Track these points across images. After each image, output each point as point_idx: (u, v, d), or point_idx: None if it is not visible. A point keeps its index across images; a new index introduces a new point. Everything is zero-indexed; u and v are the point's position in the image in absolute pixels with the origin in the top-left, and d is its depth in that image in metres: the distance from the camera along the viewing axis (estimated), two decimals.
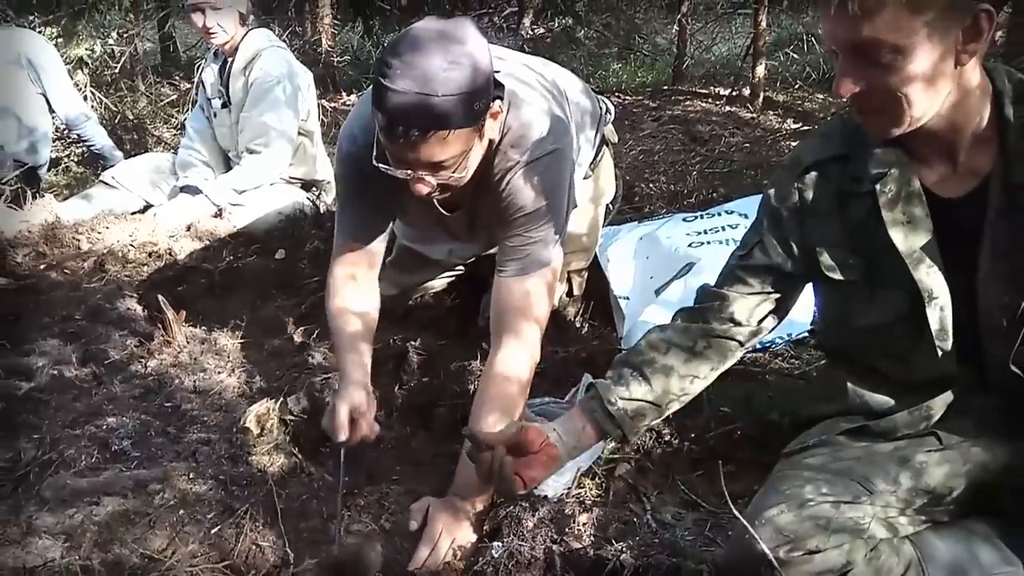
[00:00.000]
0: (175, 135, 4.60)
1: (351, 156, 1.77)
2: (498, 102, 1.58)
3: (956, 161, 1.24)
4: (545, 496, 1.57)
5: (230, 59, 3.22)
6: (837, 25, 1.11)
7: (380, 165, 1.57)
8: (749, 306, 1.44)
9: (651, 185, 3.67)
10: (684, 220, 2.62)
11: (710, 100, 5.47)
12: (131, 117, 4.47)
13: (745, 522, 1.19)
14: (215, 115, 3.34)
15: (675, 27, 6.40)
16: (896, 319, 1.30)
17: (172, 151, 3.87)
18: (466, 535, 1.49)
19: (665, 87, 6.14)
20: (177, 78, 5.92)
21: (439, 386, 2.05)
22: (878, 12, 1.06)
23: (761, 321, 1.46)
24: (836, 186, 1.33)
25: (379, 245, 1.87)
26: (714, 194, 3.40)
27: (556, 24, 7.64)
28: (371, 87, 1.51)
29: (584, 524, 1.48)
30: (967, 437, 1.30)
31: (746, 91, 5.39)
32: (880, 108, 1.15)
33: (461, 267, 2.47)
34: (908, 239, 1.25)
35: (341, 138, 1.84)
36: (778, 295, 1.44)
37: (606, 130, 2.28)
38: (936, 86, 1.13)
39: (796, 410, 1.54)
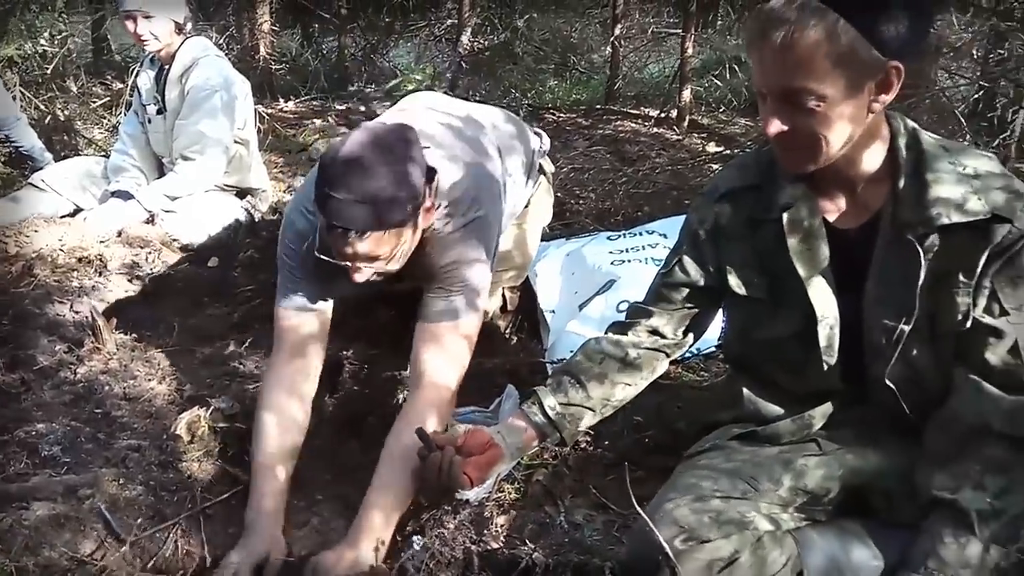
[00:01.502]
0: (107, 137, 4.53)
1: (300, 232, 1.86)
2: (430, 199, 1.71)
3: (853, 196, 1.39)
4: (467, 500, 1.66)
5: (167, 66, 3.23)
6: (770, 72, 1.25)
7: (321, 256, 1.70)
8: (672, 321, 1.61)
9: (580, 203, 3.81)
10: (608, 239, 2.76)
11: (639, 121, 5.66)
12: (62, 118, 4.39)
13: (644, 515, 1.31)
14: (149, 121, 3.32)
15: (608, 48, 6.59)
16: (791, 335, 1.45)
17: (103, 154, 3.83)
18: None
19: (598, 106, 6.32)
20: (110, 78, 5.82)
21: (370, 395, 2.12)
22: (807, 64, 1.20)
23: (684, 334, 1.63)
24: (748, 213, 1.48)
25: (324, 319, 1.90)
26: (639, 213, 3.56)
27: (495, 39, 7.75)
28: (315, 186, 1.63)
29: (502, 526, 1.58)
30: (844, 445, 1.46)
31: (674, 113, 5.59)
32: (801, 146, 1.30)
33: None
34: (807, 264, 1.41)
35: (289, 213, 1.92)
36: (697, 310, 1.61)
37: (542, 161, 2.41)
38: (850, 130, 1.27)
39: (700, 418, 1.68)
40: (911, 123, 1.38)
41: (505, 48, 7.43)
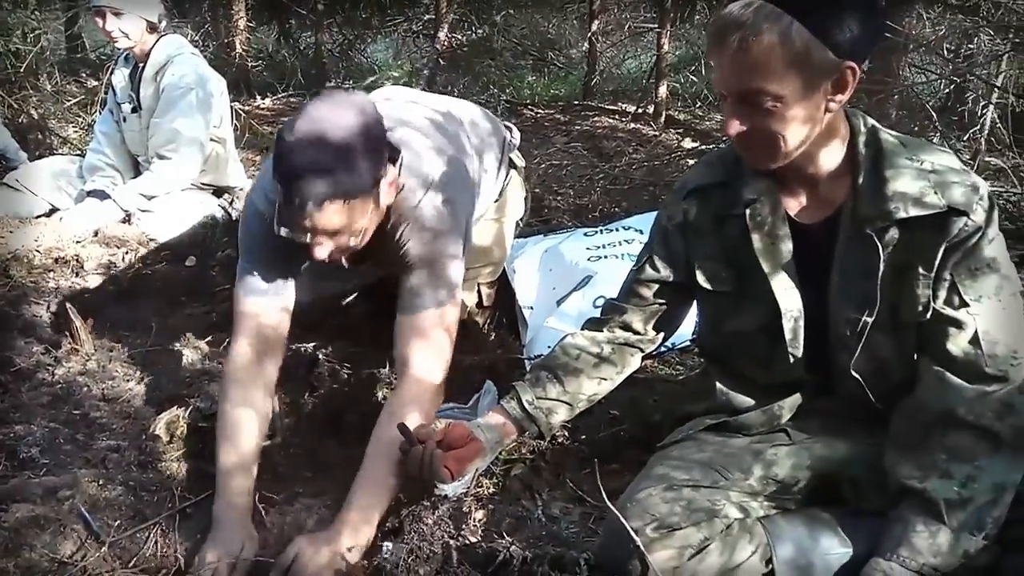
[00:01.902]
0: (82, 136, 4.49)
1: (261, 213, 1.82)
2: (393, 171, 1.69)
3: (815, 192, 1.43)
4: (445, 495, 1.69)
5: (141, 64, 3.21)
6: (729, 75, 1.29)
7: (282, 230, 1.64)
8: (644, 317, 1.65)
9: (558, 199, 3.83)
10: (585, 235, 2.78)
11: (617, 116, 5.70)
12: (36, 117, 4.34)
13: (614, 509, 1.35)
14: (124, 120, 3.31)
15: (586, 44, 6.61)
16: (757, 328, 1.50)
17: (78, 153, 3.80)
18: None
19: (576, 102, 6.35)
20: (84, 76, 5.76)
21: (349, 393, 2.12)
22: (764, 67, 1.24)
23: (656, 330, 1.68)
24: (715, 209, 1.52)
25: (286, 304, 1.87)
26: (616, 209, 3.59)
27: (473, 34, 7.75)
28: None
29: (480, 520, 1.60)
30: (813, 435, 1.50)
31: (651, 109, 5.63)
32: (760, 144, 1.34)
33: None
34: (770, 259, 1.44)
35: (250, 195, 1.89)
36: (668, 306, 1.65)
37: (512, 156, 2.43)
38: (807, 128, 1.31)
39: (674, 410, 1.71)
40: (871, 120, 1.42)
41: (483, 44, 7.44)
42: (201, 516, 1.68)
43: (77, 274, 2.74)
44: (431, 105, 2.09)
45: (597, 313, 1.76)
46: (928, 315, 1.35)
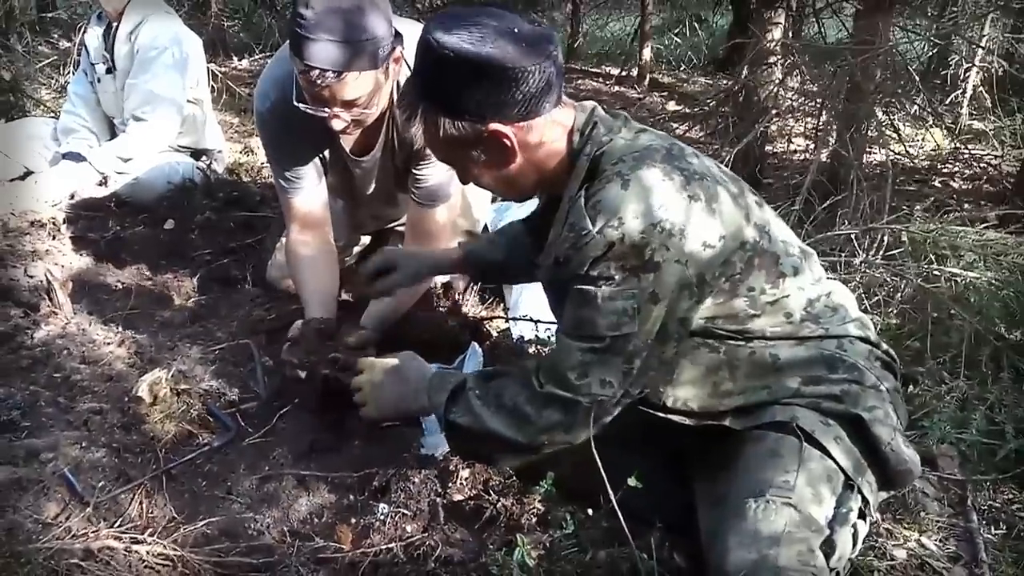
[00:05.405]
0: (55, 98, 4.40)
1: (267, 112, 2.01)
2: (399, 48, 1.81)
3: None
4: (432, 455, 1.70)
5: (115, 23, 3.13)
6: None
7: (300, 105, 1.79)
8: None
9: None
10: None
11: (601, 79, 5.65)
12: (7, 78, 4.23)
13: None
14: (99, 81, 3.23)
15: (569, 5, 6.54)
16: None
17: (52, 115, 3.72)
18: None
19: None
20: (56, 36, 5.63)
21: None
22: (427, 142, 1.38)
23: None
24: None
25: (319, 183, 2.12)
26: None
27: None
28: (287, 38, 1.75)
29: (466, 479, 1.61)
30: None
31: (635, 71, 5.59)
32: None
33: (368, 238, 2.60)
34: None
35: (255, 100, 2.06)
36: None
37: None
38: (507, 183, 1.38)
39: None
40: (596, 123, 1.36)
41: (465, 4, 7.31)
42: (186, 476, 1.68)
43: (54, 237, 2.70)
44: None
45: None
46: None
